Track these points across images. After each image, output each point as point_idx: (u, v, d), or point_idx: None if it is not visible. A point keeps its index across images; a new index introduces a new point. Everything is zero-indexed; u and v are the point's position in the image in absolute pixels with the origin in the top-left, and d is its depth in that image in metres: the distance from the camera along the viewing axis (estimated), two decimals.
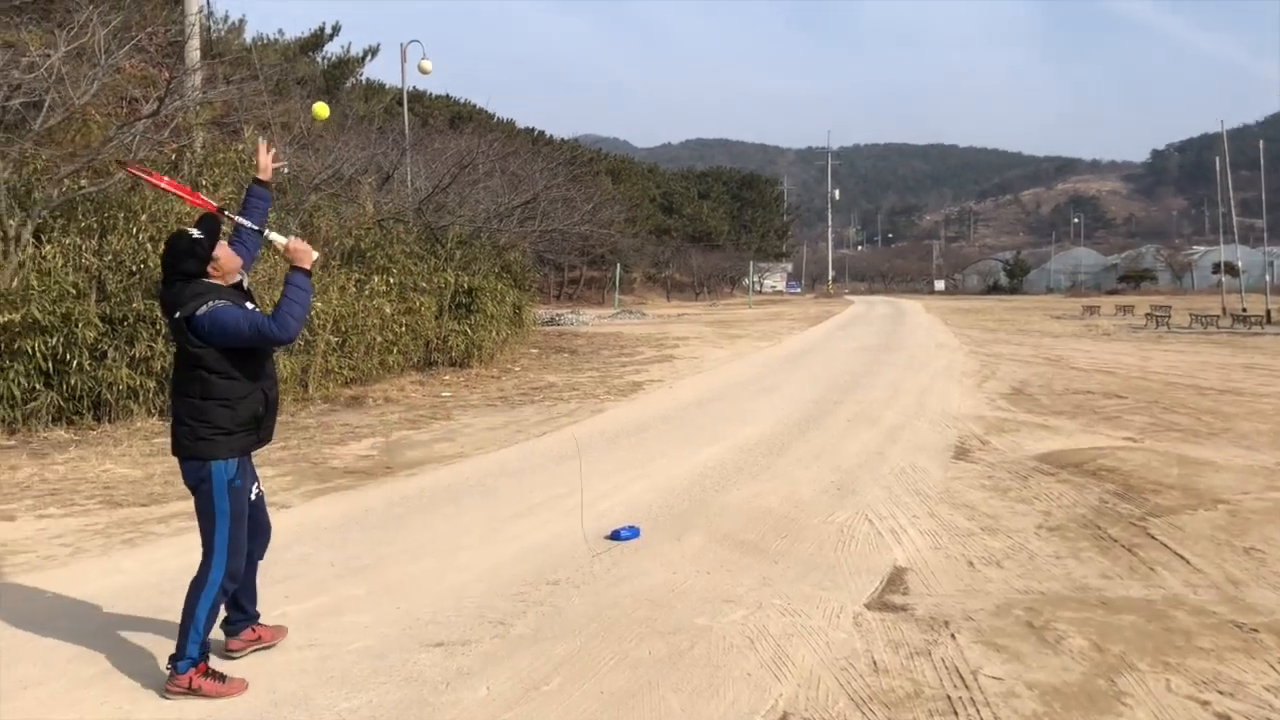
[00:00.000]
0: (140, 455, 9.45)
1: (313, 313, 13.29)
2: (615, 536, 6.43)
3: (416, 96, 46.15)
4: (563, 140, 56.85)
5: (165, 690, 4.04)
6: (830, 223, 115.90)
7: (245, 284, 4.43)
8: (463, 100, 53.75)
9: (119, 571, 5.74)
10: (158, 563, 5.95)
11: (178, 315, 4.08)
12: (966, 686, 4.11)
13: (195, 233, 4.17)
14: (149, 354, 11.10)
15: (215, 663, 4.20)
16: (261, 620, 4.59)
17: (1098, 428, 10.97)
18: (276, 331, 4.09)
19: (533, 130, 58.57)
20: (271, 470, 8.88)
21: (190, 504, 7.39)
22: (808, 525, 6.82)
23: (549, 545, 6.31)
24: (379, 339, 15.18)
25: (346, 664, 4.35)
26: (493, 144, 25.85)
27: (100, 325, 10.83)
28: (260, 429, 4.32)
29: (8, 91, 10.87)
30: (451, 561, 5.96)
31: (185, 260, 4.13)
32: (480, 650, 4.51)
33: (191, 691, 4.00)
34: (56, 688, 4.12)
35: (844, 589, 5.42)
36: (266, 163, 4.70)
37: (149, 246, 11.62)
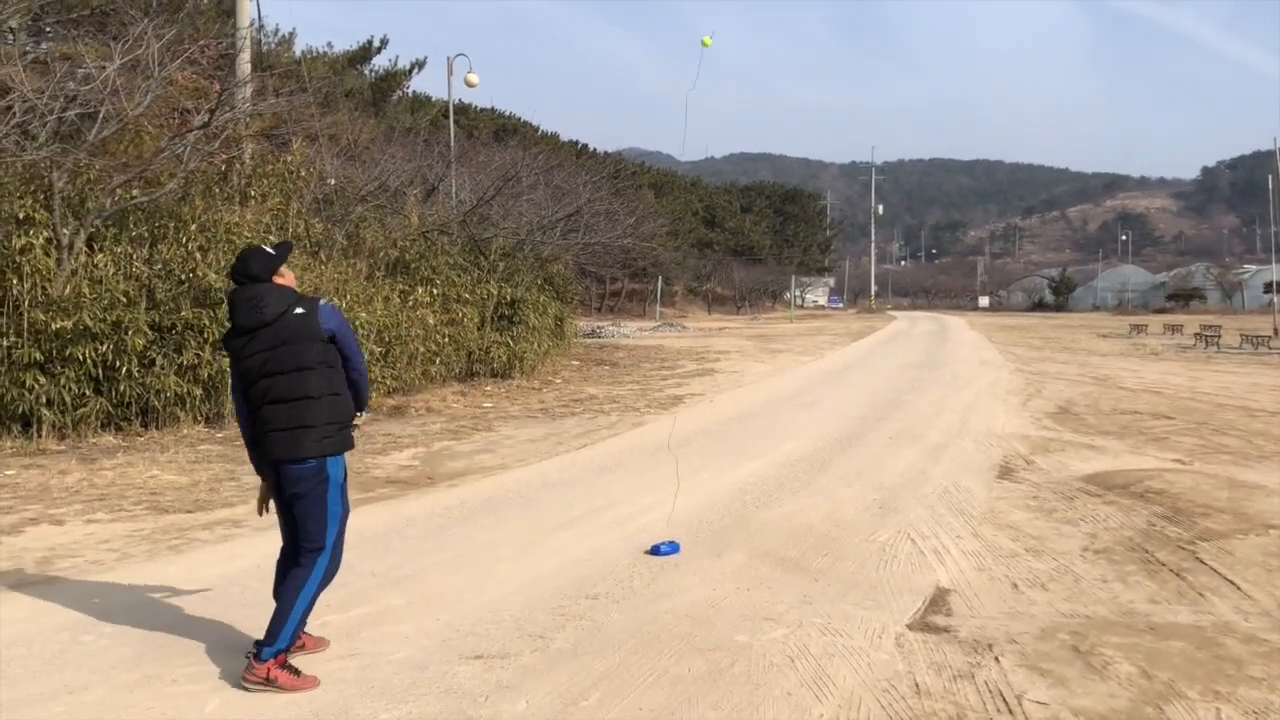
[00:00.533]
0: (186, 462, 9.58)
1: (357, 323, 13.43)
2: (655, 551, 6.42)
3: (462, 109, 46.53)
4: (606, 153, 57.08)
5: (242, 680, 4.18)
6: (873, 237, 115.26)
7: None
8: (508, 113, 54.11)
9: (164, 577, 5.80)
10: (202, 569, 6.02)
11: (299, 311, 4.33)
12: (1010, 711, 4.05)
13: (269, 248, 4.54)
14: (196, 362, 11.26)
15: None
16: (306, 629, 4.64)
17: (1145, 449, 10.79)
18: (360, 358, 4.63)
19: (576, 143, 58.84)
20: None
21: (234, 512, 7.50)
22: (849, 543, 6.76)
23: (589, 559, 6.31)
24: (422, 349, 15.31)
25: (387, 674, 4.37)
26: (537, 157, 26.02)
27: (149, 333, 11.01)
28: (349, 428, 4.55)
29: (64, 103, 11.09)
30: (491, 573, 5.98)
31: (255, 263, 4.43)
32: (519, 663, 4.51)
33: (268, 682, 4.14)
34: (102, 692, 4.17)
35: (886, 609, 5.36)
36: None
37: (198, 256, 11.81)
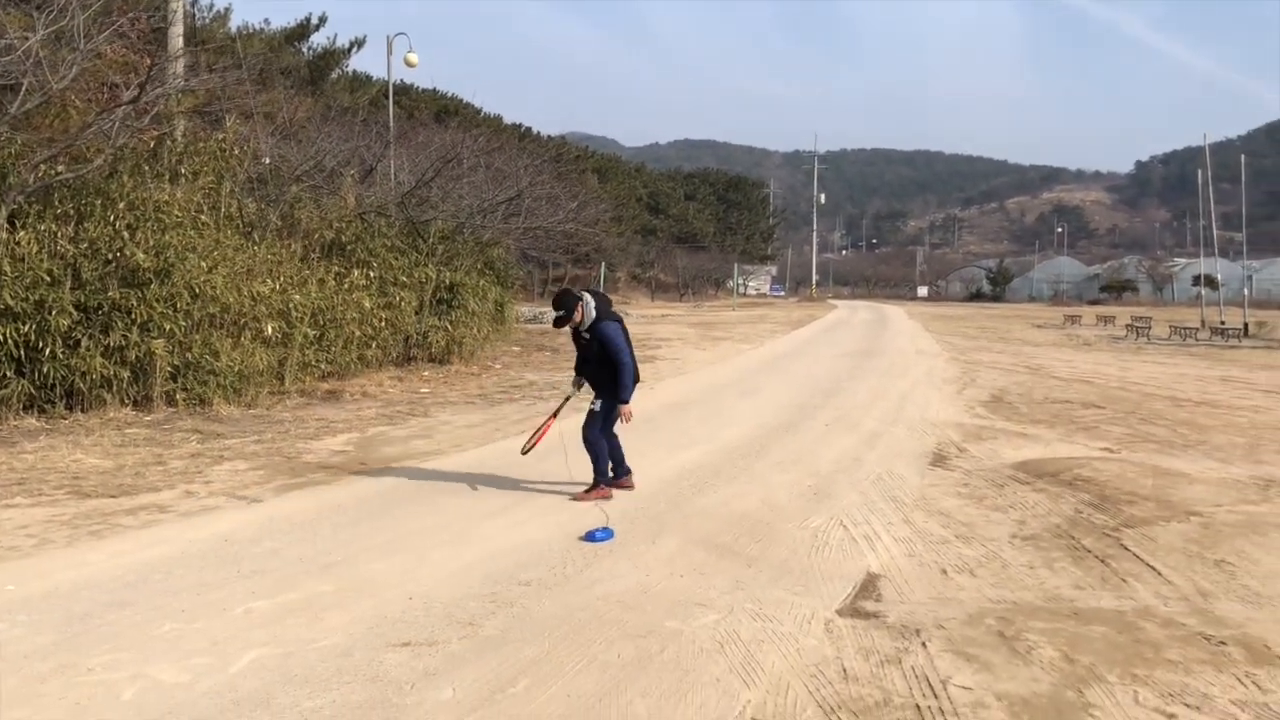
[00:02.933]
0: (112, 445, 9.35)
1: (290, 305, 13.20)
2: (590, 538, 6.39)
3: (403, 90, 45.90)
4: (549, 137, 56.74)
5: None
6: (815, 226, 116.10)
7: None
8: (450, 95, 53.47)
9: (84, 564, 5.65)
10: (124, 555, 5.88)
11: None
12: (936, 696, 4.09)
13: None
14: (124, 343, 10.99)
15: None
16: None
17: (1075, 437, 11.00)
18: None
19: (519, 126, 58.37)
20: (244, 464, 8.82)
21: (159, 497, 7.35)
22: (783, 530, 6.80)
23: (523, 545, 6.26)
24: (358, 333, 15.09)
25: (311, 662, 4.30)
26: (478, 139, 25.74)
27: (74, 313, 10.73)
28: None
29: None
30: (423, 560, 5.91)
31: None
32: (448, 651, 4.46)
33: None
34: (14, 682, 4.04)
35: (816, 595, 5.39)
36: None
37: (126, 235, 11.50)
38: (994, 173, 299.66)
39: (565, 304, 7.56)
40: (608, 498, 7.52)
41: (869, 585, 5.59)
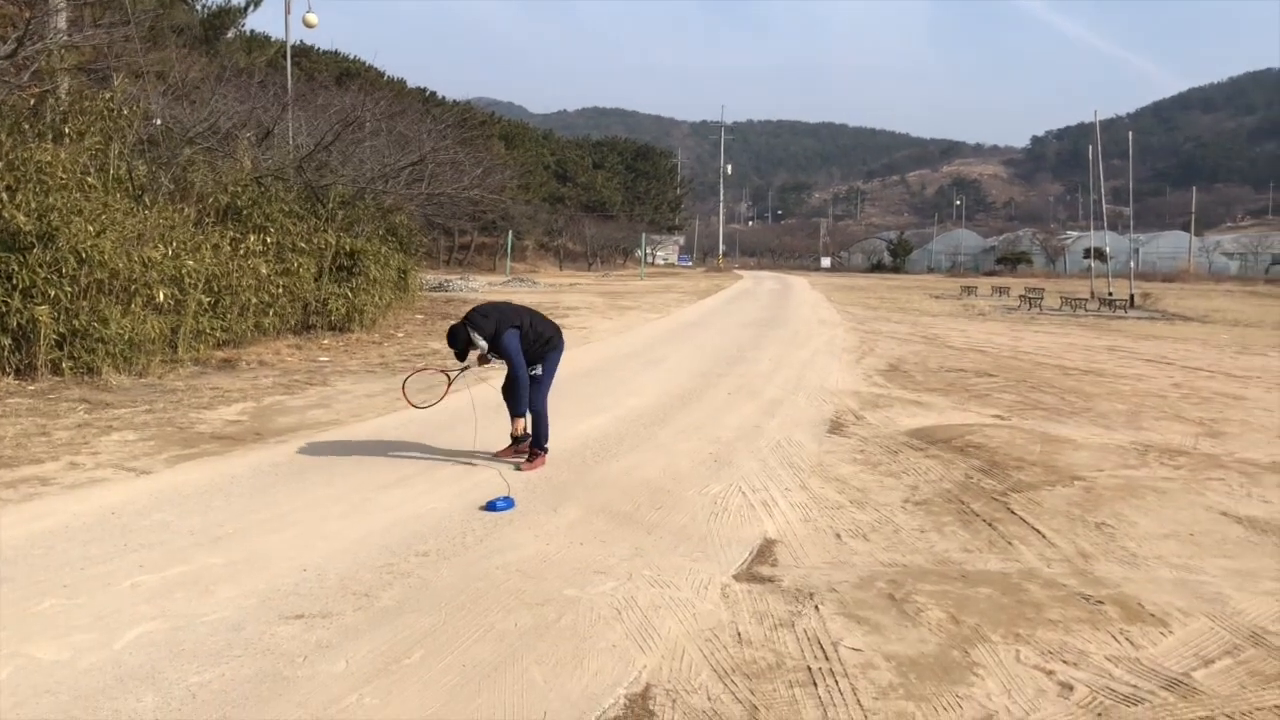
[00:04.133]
0: None
1: (183, 271, 12.79)
2: (491, 507, 6.36)
3: (303, 51, 44.70)
4: (454, 102, 55.84)
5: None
6: (722, 197, 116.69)
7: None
8: (351, 57, 52.28)
9: None
10: (4, 529, 5.65)
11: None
12: (827, 658, 4.19)
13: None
14: (4, 310, 10.53)
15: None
16: None
17: (968, 405, 11.31)
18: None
19: (424, 90, 57.38)
20: (134, 434, 8.54)
21: (42, 469, 7.09)
22: (683, 497, 6.86)
23: (422, 516, 6.20)
24: (254, 300, 14.70)
25: (200, 636, 4.20)
26: (380, 102, 25.20)
27: None
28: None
29: None
30: (319, 531, 5.81)
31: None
32: (342, 623, 4.40)
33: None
34: None
35: (714, 560, 5.46)
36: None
37: (5, 196, 10.98)
38: (896, 146, 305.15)
39: (455, 342, 7.53)
40: (539, 466, 7.67)
41: (765, 550, 5.68)
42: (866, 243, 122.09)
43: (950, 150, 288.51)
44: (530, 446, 7.74)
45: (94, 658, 3.97)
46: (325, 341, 16.32)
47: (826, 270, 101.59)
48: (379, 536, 5.74)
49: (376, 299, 18.76)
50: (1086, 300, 35.54)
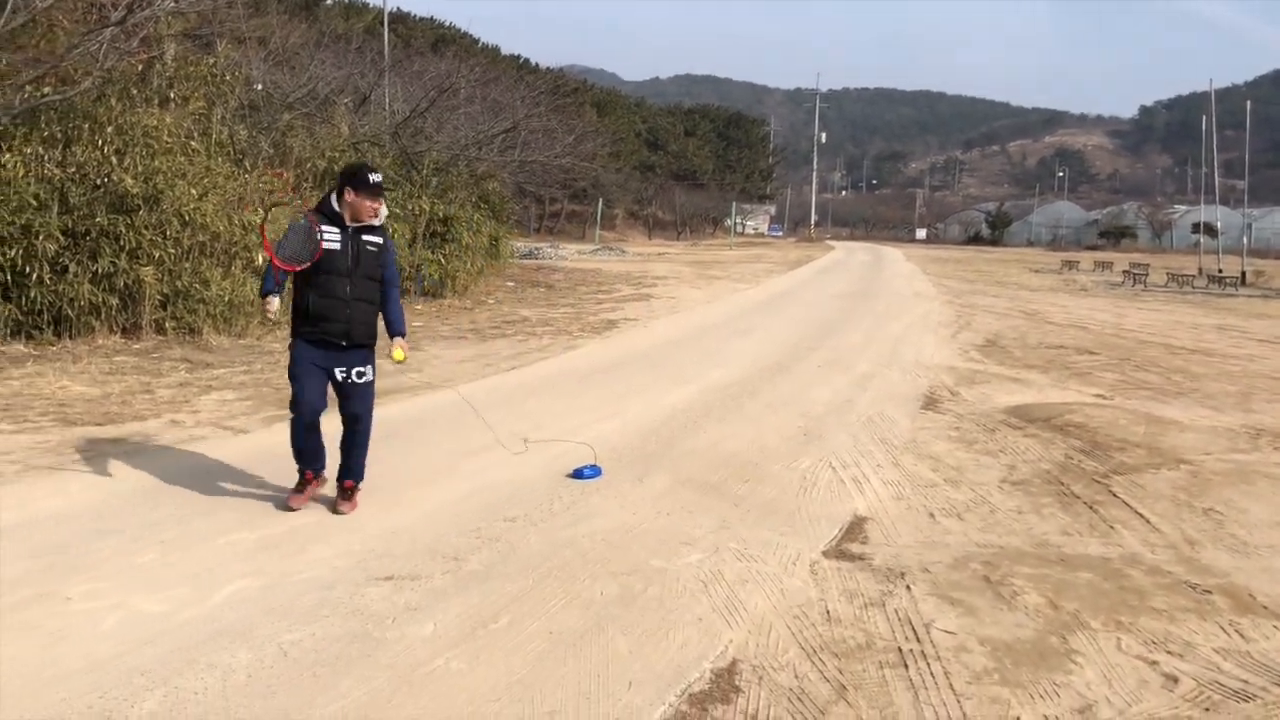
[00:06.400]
0: (99, 373, 9.27)
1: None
2: (578, 475, 6.36)
3: (399, 17, 45.19)
4: (548, 69, 55.95)
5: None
6: (815, 166, 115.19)
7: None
8: (446, 23, 52.71)
9: (66, 493, 5.60)
10: (108, 484, 5.83)
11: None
12: (919, 640, 4.08)
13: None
14: (112, 270, 10.87)
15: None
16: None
17: (1068, 383, 10.97)
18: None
19: (518, 58, 57.64)
20: (232, 394, 8.76)
21: (145, 426, 7.30)
22: (771, 470, 6.77)
23: (509, 481, 6.23)
24: None
25: (292, 595, 4.27)
26: (474, 69, 25.33)
27: (61, 239, 10.57)
28: (308, 322, 5.36)
29: None
30: (409, 495, 5.88)
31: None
32: (430, 586, 4.44)
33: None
34: None
35: (803, 536, 5.37)
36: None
37: (114, 160, 11.30)
38: (996, 115, 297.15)
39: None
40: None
41: (856, 527, 5.57)
42: (963, 214, 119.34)
43: (1053, 120, 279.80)
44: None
45: (191, 611, 4.06)
46: (418, 307, 16.54)
47: (921, 242, 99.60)
48: (468, 501, 5.78)
49: (468, 265, 18.97)
50: (1194, 277, 34.24)
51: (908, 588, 4.64)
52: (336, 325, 5.36)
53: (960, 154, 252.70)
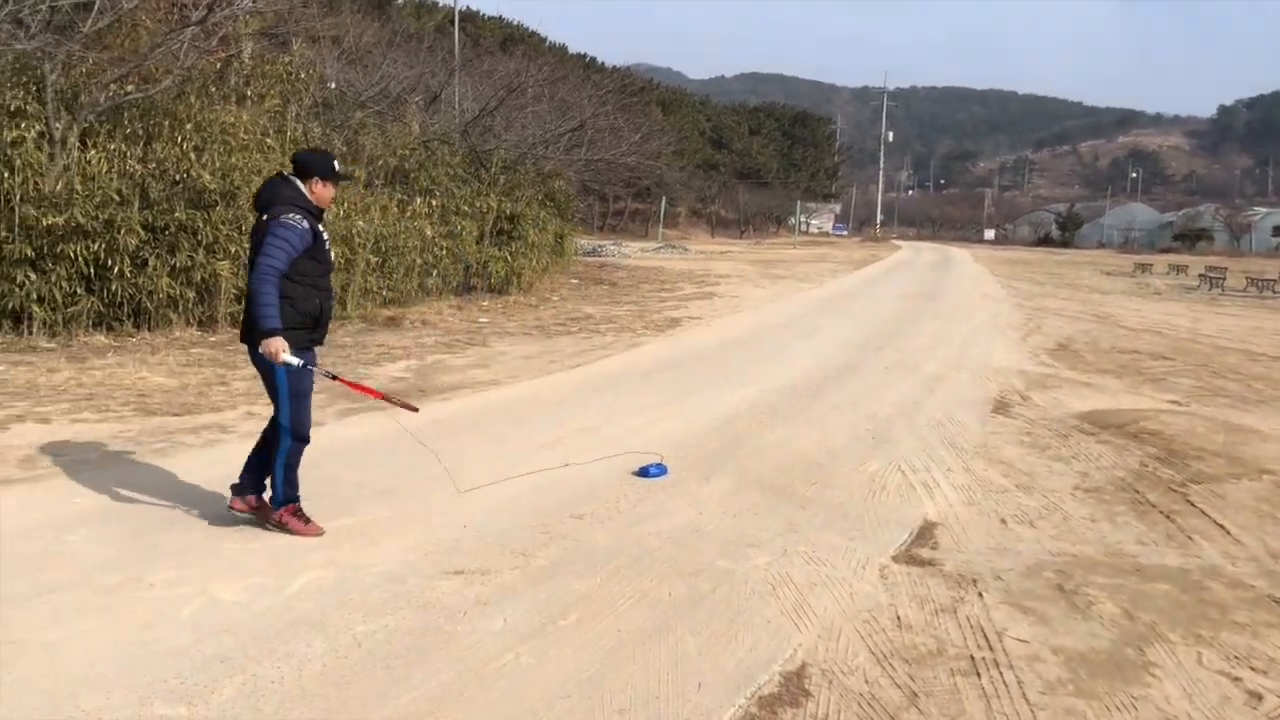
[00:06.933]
0: (177, 365, 9.50)
1: (354, 231, 13.26)
2: (643, 473, 6.37)
3: (469, 16, 45.59)
4: (614, 68, 56.12)
5: (265, 522, 4.96)
6: (882, 165, 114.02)
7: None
8: (515, 22, 53.11)
9: (144, 482, 5.75)
10: (188, 474, 5.97)
11: (264, 216, 4.82)
12: (991, 648, 4.02)
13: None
14: (190, 264, 11.14)
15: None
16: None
17: (1142, 389, 10.73)
18: (256, 279, 4.72)
19: (584, 56, 57.86)
20: None
21: (221, 417, 7.46)
22: (839, 473, 6.72)
23: (576, 478, 6.26)
24: (419, 261, 15.16)
25: (365, 587, 4.34)
26: (542, 68, 25.50)
27: (142, 233, 10.86)
28: (316, 328, 5.02)
29: None
30: (476, 489, 5.93)
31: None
32: (499, 580, 4.48)
33: (280, 525, 4.91)
34: (83, 594, 4.14)
35: (871, 540, 5.33)
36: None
37: (192, 156, 11.59)
38: (1068, 114, 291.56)
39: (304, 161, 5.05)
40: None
41: (926, 532, 5.51)
42: (1033, 215, 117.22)
43: (1126, 120, 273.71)
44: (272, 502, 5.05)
45: (268, 601, 4.15)
46: (484, 303, 16.71)
47: (989, 243, 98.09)
48: (535, 496, 5.82)
49: (534, 263, 19.12)
50: (1275, 281, 33.23)
51: (980, 595, 4.58)
52: (328, 325, 5.17)
53: (1030, 154, 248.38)
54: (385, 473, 6.20)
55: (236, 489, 5.04)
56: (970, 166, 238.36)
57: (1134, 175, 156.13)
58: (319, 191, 4.95)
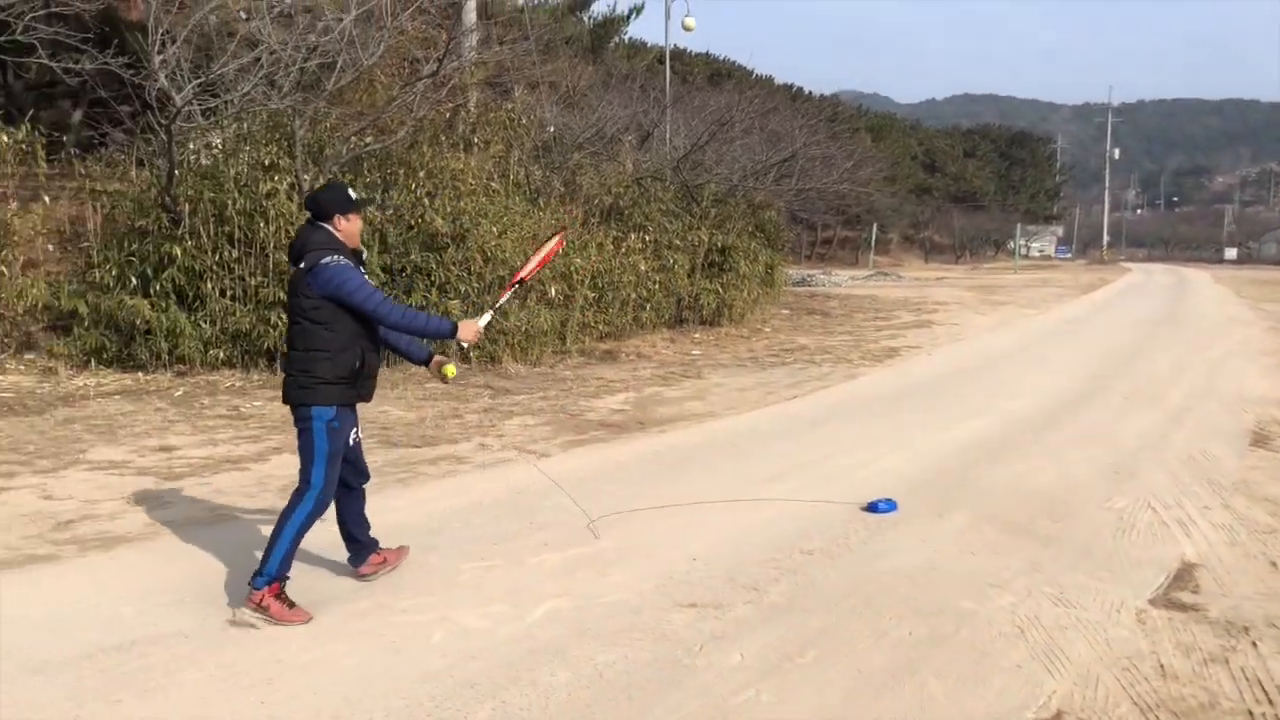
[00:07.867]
0: (415, 399, 10.02)
1: (572, 268, 13.65)
2: (873, 509, 6.21)
3: (677, 54, 46.35)
4: (822, 96, 55.77)
5: (244, 604, 4.30)
6: (1107, 184, 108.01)
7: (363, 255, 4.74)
8: (722, 57, 53.61)
9: (393, 510, 6.04)
10: (427, 503, 6.27)
11: (301, 265, 4.43)
12: (1271, 702, 3.68)
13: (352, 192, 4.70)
14: (424, 304, 11.73)
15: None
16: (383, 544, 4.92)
17: None
18: (382, 311, 4.41)
19: (791, 86, 57.69)
20: (532, 419, 9.21)
21: (457, 449, 7.78)
22: (1082, 509, 6.35)
23: (801, 512, 6.17)
24: (633, 295, 15.44)
25: (600, 616, 4.40)
26: (751, 101, 25.59)
27: (381, 275, 11.53)
28: (357, 384, 4.53)
29: (306, 54, 11.65)
30: (702, 521, 5.94)
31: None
32: (733, 615, 4.45)
33: (260, 609, 4.26)
34: (338, 618, 4.38)
35: (1124, 581, 4.99)
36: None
37: (426, 201, 12.25)
38: None
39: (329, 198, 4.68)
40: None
41: (1185, 574, 5.11)
42: None
43: None
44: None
45: (510, 628, 4.27)
46: (696, 335, 16.84)
47: (1231, 262, 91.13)
48: (762, 531, 5.77)
49: (745, 294, 19.15)
50: None
51: (1253, 644, 4.20)
52: (374, 380, 4.74)
53: (1276, 166, 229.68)
54: (609, 504, 6.25)
55: (354, 560, 4.86)
56: (1206, 182, 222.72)
57: None
58: (345, 228, 4.54)
